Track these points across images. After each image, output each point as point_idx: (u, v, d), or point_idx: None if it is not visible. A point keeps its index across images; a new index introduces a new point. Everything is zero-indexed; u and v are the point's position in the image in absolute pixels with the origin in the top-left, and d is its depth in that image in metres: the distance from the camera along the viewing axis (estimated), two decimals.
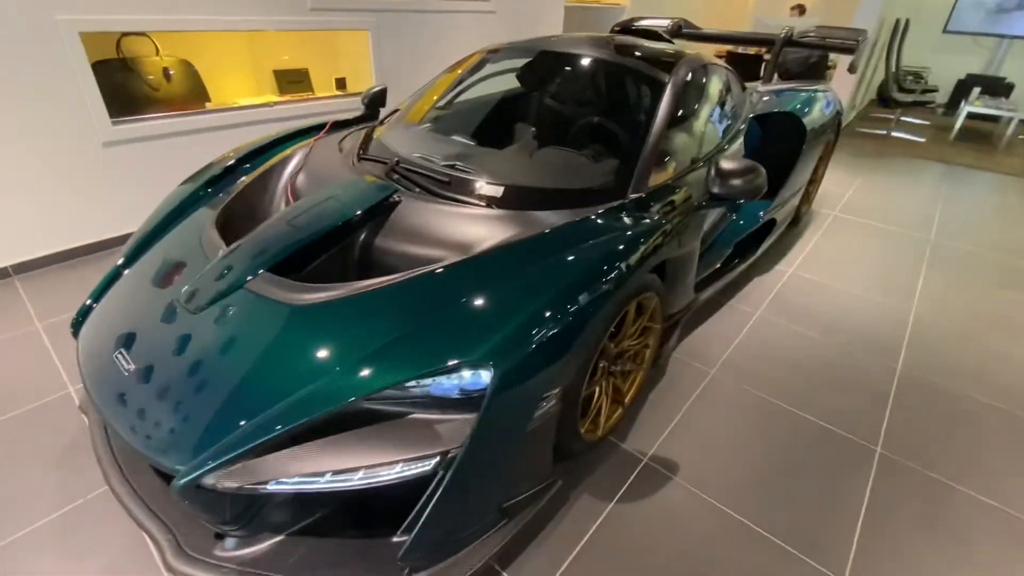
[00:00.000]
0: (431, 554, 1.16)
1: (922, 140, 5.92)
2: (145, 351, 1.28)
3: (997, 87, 6.64)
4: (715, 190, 1.66)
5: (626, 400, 1.72)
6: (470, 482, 1.12)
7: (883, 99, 6.22)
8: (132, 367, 1.25)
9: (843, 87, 5.38)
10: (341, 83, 3.77)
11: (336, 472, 1.06)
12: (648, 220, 1.56)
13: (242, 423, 1.09)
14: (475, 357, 1.09)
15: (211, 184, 1.87)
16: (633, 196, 1.67)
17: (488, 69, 2.35)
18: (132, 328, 1.36)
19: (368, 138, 2.09)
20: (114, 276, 1.59)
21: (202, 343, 1.24)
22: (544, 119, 2.16)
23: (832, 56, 5.73)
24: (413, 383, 1.12)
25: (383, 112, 2.43)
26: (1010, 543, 1.46)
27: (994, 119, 6.49)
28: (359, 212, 1.55)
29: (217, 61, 3.37)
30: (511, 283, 1.26)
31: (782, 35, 3.42)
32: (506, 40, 2.42)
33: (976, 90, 6.26)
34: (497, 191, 1.63)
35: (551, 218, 1.52)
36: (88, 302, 1.53)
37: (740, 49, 6.40)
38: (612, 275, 1.33)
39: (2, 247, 2.46)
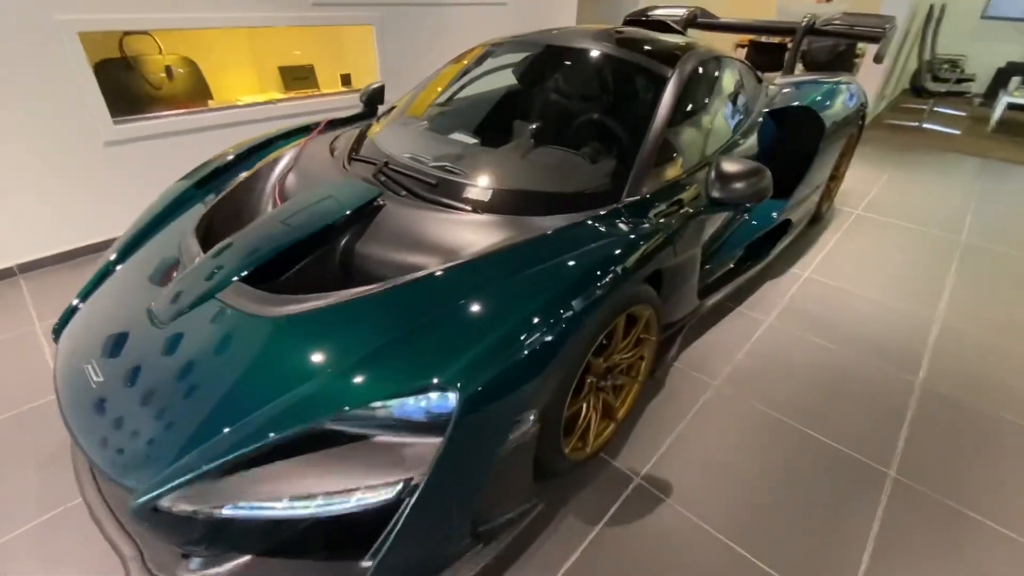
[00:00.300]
0: None
1: (957, 132, 5.60)
2: (112, 364, 1.25)
3: None
4: (715, 194, 1.55)
5: (618, 415, 1.63)
6: (437, 509, 1.06)
7: (916, 89, 5.90)
8: (99, 379, 1.22)
9: (873, 76, 5.12)
10: (346, 79, 3.73)
11: (293, 498, 1.01)
12: (641, 227, 1.47)
13: (200, 444, 1.05)
14: (440, 380, 1.02)
15: (209, 180, 1.85)
16: (628, 200, 1.57)
17: (486, 65, 2.26)
18: (105, 338, 1.33)
19: (362, 137, 2.04)
20: (104, 273, 1.57)
21: (167, 359, 1.21)
22: (541, 117, 2.06)
23: (861, 44, 5.46)
24: (379, 404, 1.06)
25: (381, 109, 2.37)
26: None
27: None
28: (341, 216, 1.50)
29: (222, 58, 3.36)
30: (485, 298, 1.18)
31: (803, 23, 3.24)
32: (516, 34, 2.33)
33: (1016, 79, 5.88)
34: (485, 194, 1.56)
35: (539, 224, 1.44)
36: (75, 302, 1.52)
37: (764, 38, 6.16)
38: (597, 288, 1.25)
39: (8, 247, 2.50)
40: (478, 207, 1.52)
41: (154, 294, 1.38)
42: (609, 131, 1.88)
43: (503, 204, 1.52)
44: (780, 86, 2.76)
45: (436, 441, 1.03)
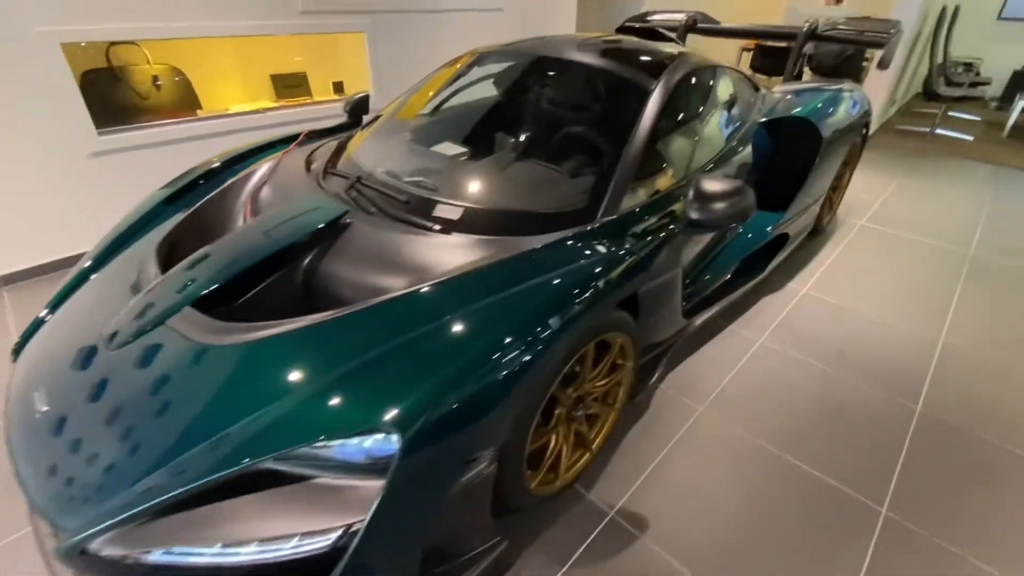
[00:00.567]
0: None
1: (970, 138, 5.43)
2: (58, 394, 1.20)
3: None
4: (693, 215, 1.47)
5: (593, 446, 1.56)
6: (380, 555, 1.00)
7: (928, 93, 5.73)
8: (44, 409, 1.18)
9: (882, 81, 4.97)
10: (339, 87, 3.69)
11: (226, 544, 0.95)
12: (613, 249, 1.39)
13: (134, 484, 1.00)
14: (381, 422, 0.96)
15: (191, 188, 1.83)
16: (604, 220, 1.50)
17: (468, 76, 2.20)
18: (55, 364, 1.29)
19: (341, 150, 1.99)
20: (79, 281, 1.54)
21: (111, 389, 1.16)
22: (521, 130, 1.99)
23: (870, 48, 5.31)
24: (321, 444, 1.00)
25: (366, 120, 2.32)
26: None
27: None
28: (304, 236, 1.45)
29: (213, 67, 3.33)
30: (438, 331, 1.11)
31: (805, 29, 3.14)
32: (501, 42, 2.27)
33: None
34: (455, 213, 1.50)
35: (509, 245, 1.37)
36: (43, 313, 1.49)
37: (771, 42, 6.03)
38: (560, 318, 1.17)
39: None
40: (447, 227, 1.45)
41: (110, 316, 1.34)
42: (589, 146, 1.81)
43: (473, 224, 1.46)
44: (780, 94, 2.67)
45: (379, 484, 0.97)
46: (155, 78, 2.92)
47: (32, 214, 2.54)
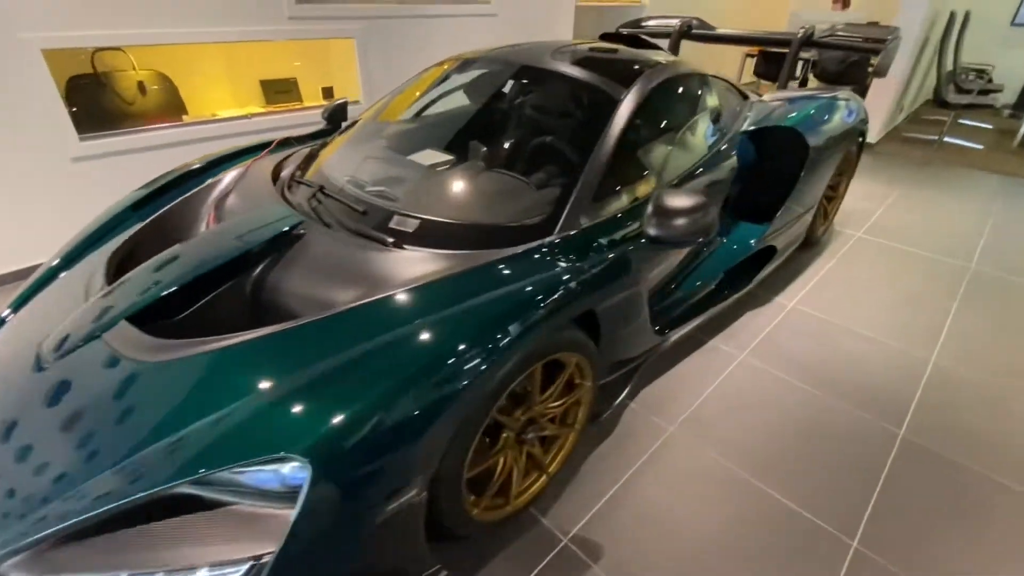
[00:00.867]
0: None
1: (979, 147, 5.27)
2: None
3: None
4: (651, 231, 1.41)
5: (550, 469, 1.50)
6: None
7: (938, 100, 5.59)
8: None
9: (888, 87, 4.86)
10: (328, 92, 3.68)
11: (133, 572, 0.92)
12: (568, 265, 1.34)
13: (50, 503, 0.97)
14: (291, 451, 0.92)
15: (161, 194, 1.82)
16: (562, 234, 1.44)
17: (444, 83, 2.16)
18: (9, 367, 1.27)
19: (311, 158, 1.97)
20: (45, 280, 1.56)
21: (41, 404, 1.13)
22: (491, 139, 1.95)
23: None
24: (238, 468, 0.96)
25: (344, 127, 2.29)
26: None
27: None
28: (253, 247, 1.42)
29: (201, 73, 3.34)
30: (368, 351, 1.07)
31: (799, 35, 3.07)
32: (478, 49, 2.23)
33: None
34: (411, 226, 1.45)
35: (463, 260, 1.32)
36: (4, 313, 1.48)
37: (773, 48, 5.93)
38: (500, 338, 1.12)
39: None
40: (400, 240, 1.41)
41: (53, 327, 1.31)
42: (556, 157, 1.75)
43: (428, 238, 1.41)
44: (773, 102, 2.60)
45: (291, 513, 0.92)
46: (140, 84, 2.93)
47: (10, 219, 2.54)
